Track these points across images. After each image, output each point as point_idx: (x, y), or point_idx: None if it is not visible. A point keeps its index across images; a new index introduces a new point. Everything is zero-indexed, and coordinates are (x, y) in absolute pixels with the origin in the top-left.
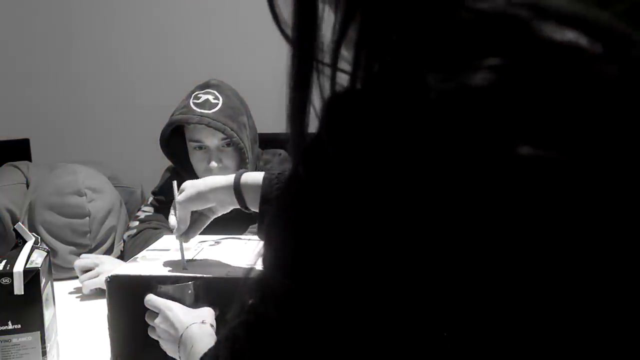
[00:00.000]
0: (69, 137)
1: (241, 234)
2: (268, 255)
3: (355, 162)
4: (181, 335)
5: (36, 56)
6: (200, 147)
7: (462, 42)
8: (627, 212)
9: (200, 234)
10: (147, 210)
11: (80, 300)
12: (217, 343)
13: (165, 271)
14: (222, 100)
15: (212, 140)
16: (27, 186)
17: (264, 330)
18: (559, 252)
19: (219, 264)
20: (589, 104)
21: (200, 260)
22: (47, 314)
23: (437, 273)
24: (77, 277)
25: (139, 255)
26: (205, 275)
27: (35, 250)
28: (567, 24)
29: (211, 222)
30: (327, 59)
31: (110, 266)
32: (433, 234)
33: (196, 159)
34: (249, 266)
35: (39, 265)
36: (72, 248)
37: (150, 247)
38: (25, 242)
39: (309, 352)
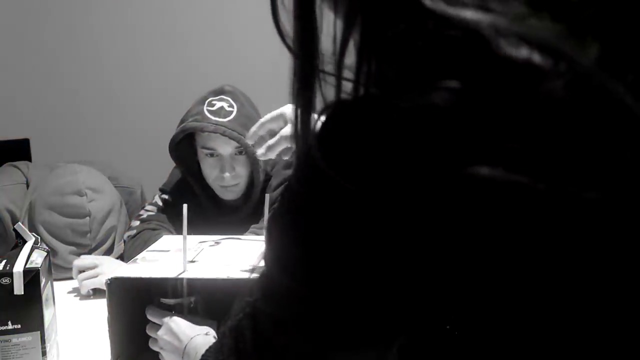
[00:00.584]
0: (69, 137)
1: (242, 234)
2: (269, 254)
3: (342, 174)
4: (185, 346)
5: (36, 56)
6: (213, 155)
7: (426, 57)
8: (575, 230)
9: (199, 234)
10: (150, 210)
11: (80, 300)
12: (222, 334)
13: (165, 273)
14: (237, 108)
15: (226, 148)
16: (27, 186)
17: (266, 324)
18: (510, 261)
19: (219, 265)
20: (536, 124)
21: (201, 261)
22: (47, 314)
23: (416, 272)
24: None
25: (139, 256)
26: (205, 277)
27: (35, 250)
28: (524, 40)
29: (211, 221)
30: (328, 68)
31: (110, 267)
32: (409, 239)
33: (208, 166)
34: (252, 266)
35: (39, 265)
36: (72, 248)
37: (150, 248)
38: (25, 242)
39: (309, 346)
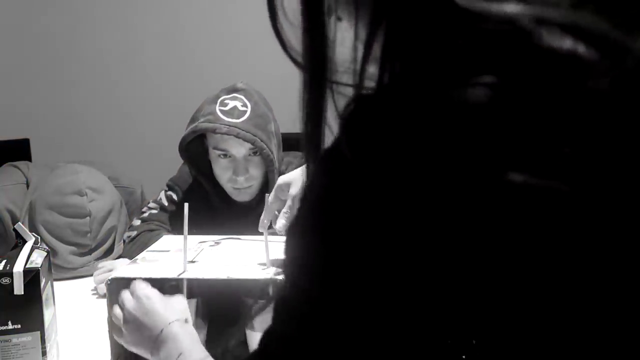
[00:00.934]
0: (69, 137)
1: (247, 234)
2: (287, 261)
3: (369, 168)
4: (161, 331)
5: (36, 56)
6: (225, 156)
7: (465, 53)
8: (613, 237)
9: (200, 234)
10: (153, 208)
11: (80, 300)
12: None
13: (165, 273)
14: (251, 108)
15: (239, 150)
16: (27, 186)
17: (285, 342)
18: (540, 269)
19: (219, 265)
20: (578, 123)
21: (201, 261)
22: (47, 314)
23: (440, 276)
24: (77, 277)
25: (139, 256)
26: (205, 277)
27: (35, 250)
28: (566, 31)
29: (223, 222)
30: (340, 78)
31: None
32: (435, 241)
33: (220, 168)
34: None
35: (39, 265)
36: (73, 248)
37: (150, 248)
38: (25, 242)
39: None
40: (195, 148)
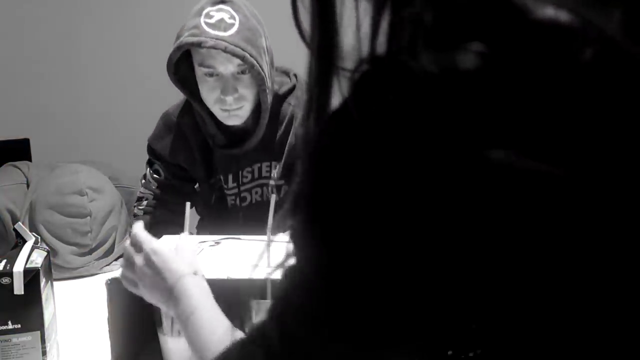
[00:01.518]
0: (69, 137)
1: (253, 166)
2: (295, 244)
3: (375, 131)
4: (173, 288)
5: (36, 56)
6: (212, 75)
7: (457, 20)
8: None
9: (209, 170)
10: (143, 195)
11: (80, 300)
12: (248, 337)
13: None
14: (239, 20)
15: (227, 66)
16: (28, 186)
17: (294, 324)
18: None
19: (219, 265)
20: (562, 94)
21: (201, 261)
22: (47, 314)
23: (435, 261)
24: (77, 277)
25: None
26: (205, 277)
27: (35, 250)
28: (551, 1)
29: (221, 156)
30: (346, 64)
31: None
32: (429, 215)
33: (207, 89)
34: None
35: (39, 265)
36: (73, 248)
37: None
38: (25, 242)
39: (338, 345)
40: (187, 73)
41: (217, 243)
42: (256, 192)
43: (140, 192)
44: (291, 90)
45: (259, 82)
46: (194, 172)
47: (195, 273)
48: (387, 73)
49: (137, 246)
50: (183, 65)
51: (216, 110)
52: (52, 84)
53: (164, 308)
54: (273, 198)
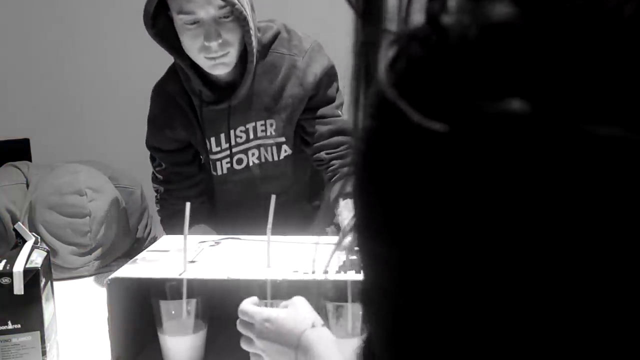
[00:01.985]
0: (69, 137)
1: (247, 125)
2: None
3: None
4: (297, 345)
5: (36, 56)
6: (193, 22)
7: None
8: None
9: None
10: (155, 187)
11: (80, 300)
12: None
13: (165, 273)
14: None
15: (208, 10)
16: (27, 186)
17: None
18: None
19: (219, 265)
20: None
21: (201, 261)
22: (47, 314)
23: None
24: (77, 277)
25: (139, 256)
26: (205, 277)
27: (35, 250)
28: None
29: (210, 115)
30: (391, 26)
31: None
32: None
33: (188, 37)
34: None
35: (39, 265)
36: (73, 248)
37: (151, 247)
38: (25, 242)
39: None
40: (164, 26)
41: (217, 243)
42: (253, 154)
43: (153, 186)
44: (275, 35)
45: (242, 22)
46: (194, 137)
47: (313, 325)
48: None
49: (250, 322)
50: (161, 19)
51: (201, 59)
52: (52, 84)
53: None
54: (273, 198)
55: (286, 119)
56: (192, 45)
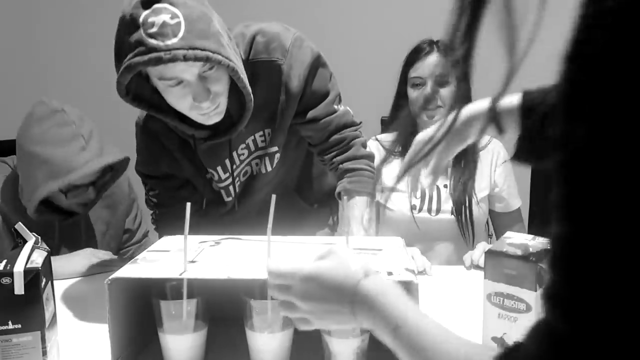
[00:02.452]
0: None
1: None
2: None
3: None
4: (352, 301)
5: (36, 56)
6: (177, 84)
7: None
8: None
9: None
10: (150, 210)
11: (80, 300)
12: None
13: (165, 273)
14: (183, 15)
15: (192, 71)
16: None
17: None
18: None
19: (219, 265)
20: None
21: (201, 261)
22: (47, 314)
23: None
24: (76, 277)
25: (139, 256)
26: (205, 277)
27: (36, 250)
28: None
29: (209, 152)
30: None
31: None
32: None
33: (175, 97)
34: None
35: (39, 265)
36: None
37: (151, 248)
38: (25, 242)
39: None
40: (138, 83)
41: (217, 243)
42: (256, 164)
43: (148, 207)
44: (250, 44)
45: (231, 72)
46: (181, 173)
47: (366, 275)
48: None
49: (286, 284)
50: (133, 78)
51: (193, 115)
52: (51, 84)
53: (348, 324)
54: (273, 198)
55: (277, 126)
56: (180, 104)
